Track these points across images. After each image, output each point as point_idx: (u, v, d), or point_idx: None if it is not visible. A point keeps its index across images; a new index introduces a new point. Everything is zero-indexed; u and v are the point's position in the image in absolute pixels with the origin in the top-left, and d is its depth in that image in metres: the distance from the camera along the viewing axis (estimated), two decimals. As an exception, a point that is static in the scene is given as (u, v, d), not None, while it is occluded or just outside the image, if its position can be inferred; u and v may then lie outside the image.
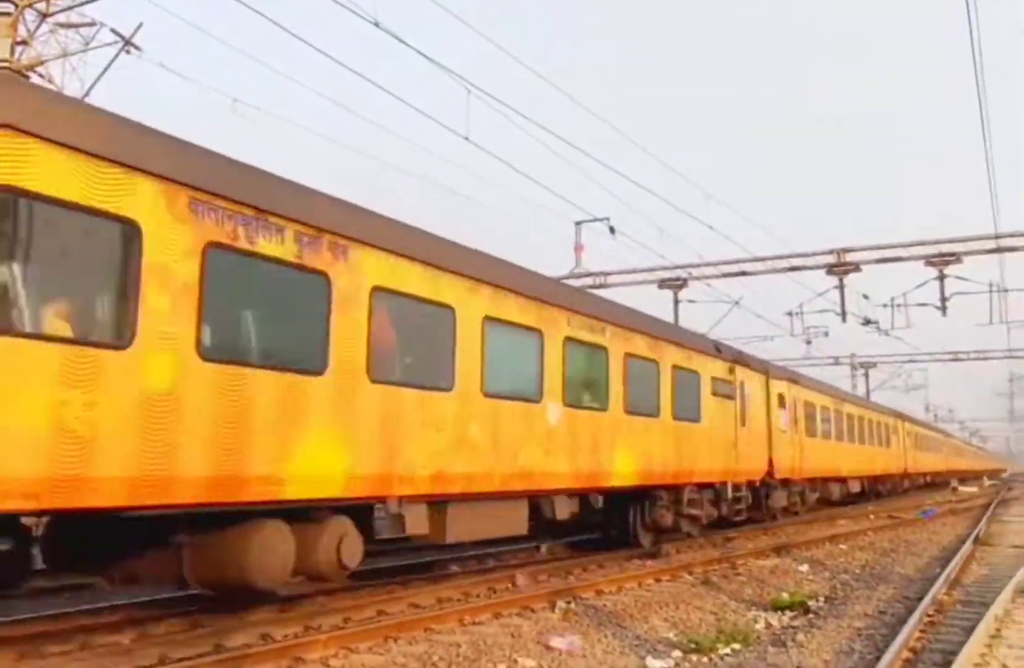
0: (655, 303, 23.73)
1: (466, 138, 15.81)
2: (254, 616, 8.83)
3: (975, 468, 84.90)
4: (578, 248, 27.14)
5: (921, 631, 8.70)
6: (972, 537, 18.57)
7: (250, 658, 7.09)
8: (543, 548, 15.27)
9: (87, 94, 17.54)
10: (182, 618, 8.44)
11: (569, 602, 10.41)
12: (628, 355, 13.99)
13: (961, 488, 54.67)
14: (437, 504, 9.94)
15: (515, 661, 7.66)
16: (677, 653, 8.17)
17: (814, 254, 26.91)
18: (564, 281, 23.09)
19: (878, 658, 7.40)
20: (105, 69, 16.66)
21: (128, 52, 16.42)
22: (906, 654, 7.67)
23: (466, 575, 12.34)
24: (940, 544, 18.52)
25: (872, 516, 27.08)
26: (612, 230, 24.00)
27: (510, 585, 11.54)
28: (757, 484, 20.07)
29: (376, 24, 12.69)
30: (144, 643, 7.52)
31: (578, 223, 26.14)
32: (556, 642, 7.87)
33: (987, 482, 73.92)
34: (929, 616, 9.46)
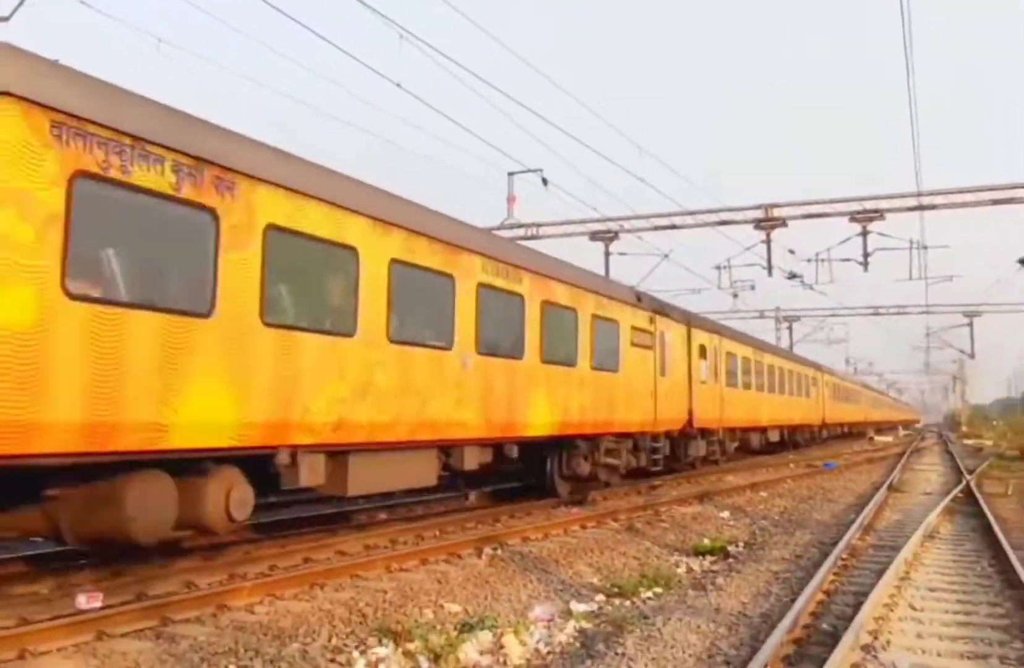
0: (586, 255, 23.73)
1: (398, 85, 15.46)
2: (177, 564, 8.74)
3: (891, 419, 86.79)
4: (510, 199, 26.90)
5: (835, 574, 9.01)
6: (886, 485, 19.27)
7: (173, 606, 7.04)
8: (471, 496, 15.38)
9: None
10: (102, 567, 8.31)
11: (496, 549, 10.54)
12: (545, 303, 13.80)
13: (877, 438, 56.63)
14: (338, 455, 9.54)
15: (441, 606, 7.74)
16: (601, 597, 8.35)
17: (743, 209, 27.14)
18: (496, 232, 22.96)
19: (793, 600, 7.66)
20: (20, 4, 15.81)
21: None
22: (820, 596, 7.94)
23: (393, 523, 12.39)
24: (856, 491, 19.18)
25: (792, 465, 27.90)
26: (545, 182, 23.80)
27: (437, 532, 11.62)
28: (676, 434, 20.23)
29: (304, -40, 12.22)
30: (63, 592, 7.39)
31: (511, 174, 25.88)
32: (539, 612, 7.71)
33: (902, 432, 76.66)
34: (843, 560, 9.80)
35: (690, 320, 21.86)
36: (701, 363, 22.17)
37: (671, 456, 19.98)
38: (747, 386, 27.69)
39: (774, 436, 32.44)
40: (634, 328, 17.52)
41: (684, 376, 20.62)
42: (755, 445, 29.89)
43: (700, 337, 22.32)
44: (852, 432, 56.33)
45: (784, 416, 33.51)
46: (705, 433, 22.64)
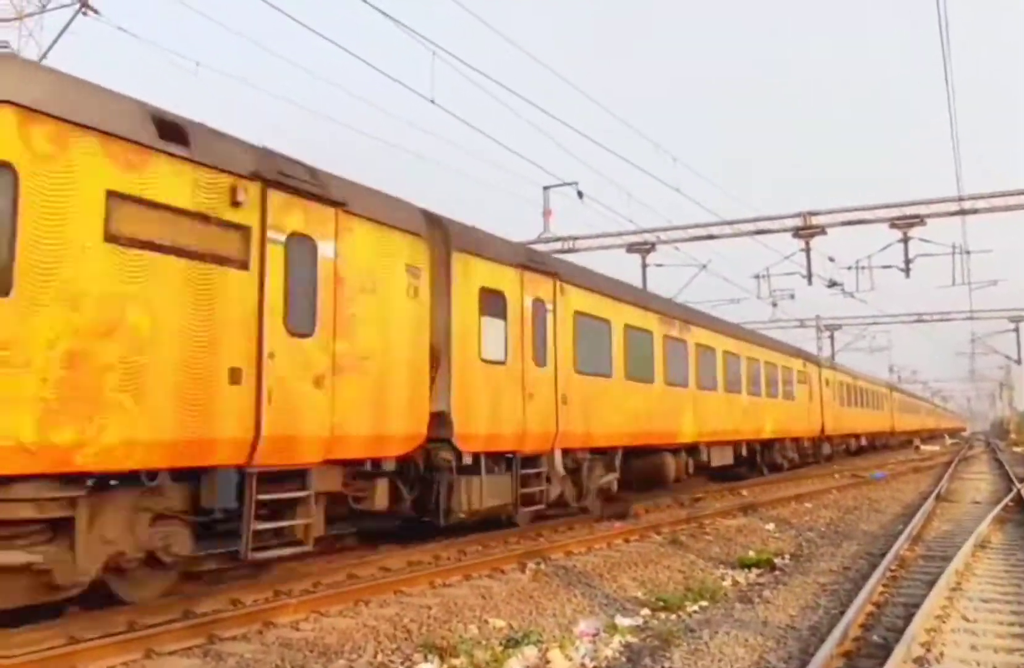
0: (624, 268, 23.65)
1: (431, 101, 15.60)
2: (223, 582, 8.82)
3: (927, 427, 76.93)
4: (546, 213, 27.00)
5: (884, 586, 8.87)
6: (934, 494, 18.94)
7: (220, 623, 7.09)
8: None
9: (44, 57, 17.07)
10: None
11: (539, 563, 10.50)
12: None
13: (924, 447, 55.73)
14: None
15: (485, 622, 7.72)
16: (646, 611, 8.28)
17: (780, 217, 26.97)
18: (532, 246, 22.99)
19: (842, 612, 7.54)
20: (62, 31, 16.20)
21: (85, 14, 15.96)
22: (869, 608, 7.82)
23: (437, 538, 12.38)
24: (903, 501, 18.88)
25: (837, 475, 27.53)
26: (580, 195, 23.85)
27: (480, 548, 11.60)
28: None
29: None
30: (112, 610, 7.47)
31: (546, 188, 25.99)
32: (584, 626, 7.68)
33: (949, 441, 75.38)
34: (892, 571, 9.64)
35: (819, 360, 32.22)
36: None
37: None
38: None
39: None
40: (798, 371, 28.55)
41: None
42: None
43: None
44: (873, 446, 45.70)
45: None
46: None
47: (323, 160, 9.45)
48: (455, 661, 6.35)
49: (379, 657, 6.60)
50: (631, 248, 28.82)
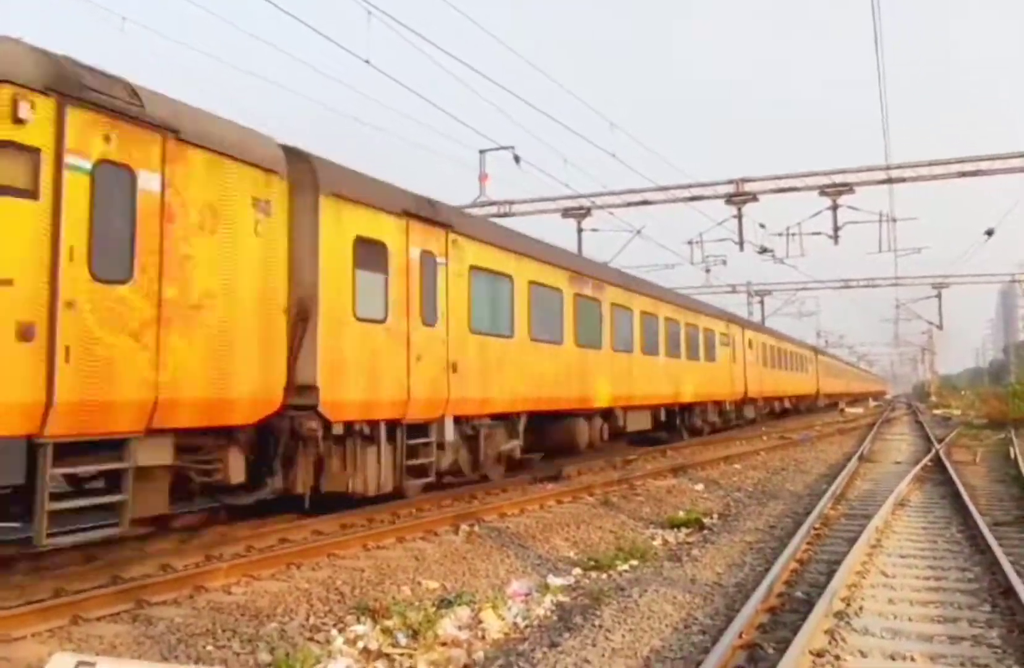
0: (559, 232, 23.65)
1: (367, 62, 15.28)
2: (152, 547, 8.71)
3: (853, 390, 77.10)
4: (482, 177, 26.79)
5: (808, 543, 9.13)
6: (857, 455, 19.50)
7: (150, 588, 7.02)
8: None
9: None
10: (77, 551, 8.26)
11: (472, 525, 10.58)
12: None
13: (848, 409, 57.28)
14: None
15: (419, 583, 7.77)
16: (577, 571, 8.41)
17: (714, 184, 27.16)
18: (468, 210, 22.82)
19: (767, 570, 7.74)
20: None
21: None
22: (793, 565, 8.04)
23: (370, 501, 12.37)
24: (828, 462, 19.41)
25: (765, 437, 28.17)
26: (517, 159, 23.68)
27: (413, 510, 11.63)
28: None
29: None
30: (37, 576, 7.34)
31: (483, 152, 25.76)
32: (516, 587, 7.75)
33: (872, 403, 77.59)
34: (815, 529, 9.92)
35: (743, 323, 32.42)
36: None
37: None
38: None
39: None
40: (721, 333, 27.30)
41: None
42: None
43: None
44: (798, 409, 45.20)
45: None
46: None
47: (254, 120, 9.19)
48: (388, 622, 6.38)
49: (311, 620, 6.61)
50: (567, 213, 28.82)
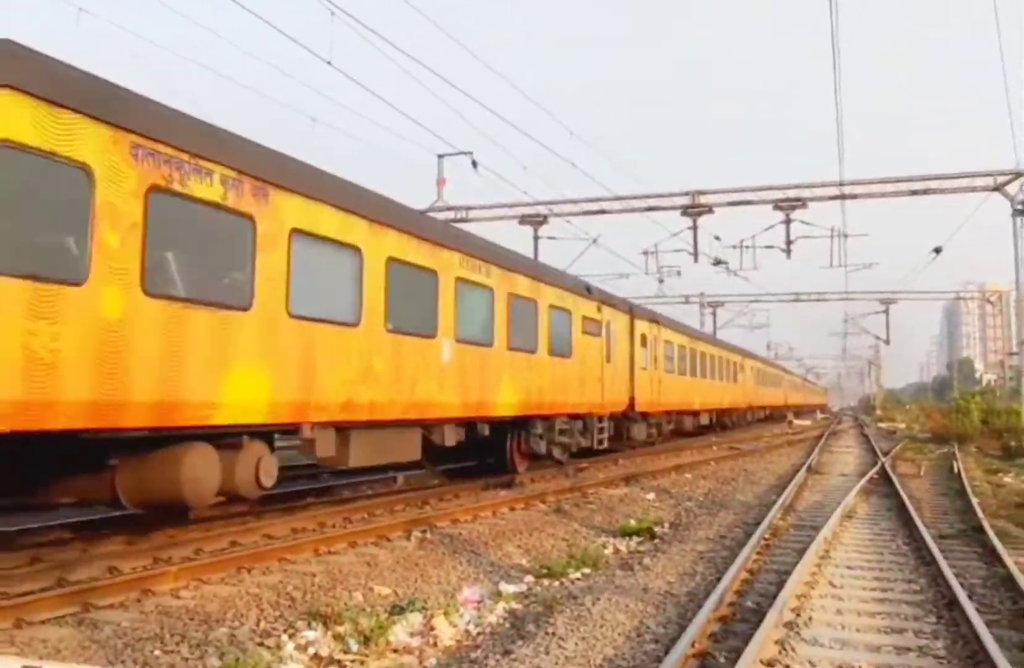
0: (516, 239, 23.68)
1: (329, 63, 15.23)
2: (99, 549, 8.55)
3: (791, 403, 70.73)
4: (440, 182, 26.81)
5: (758, 554, 9.22)
6: (805, 466, 19.76)
7: (96, 591, 6.88)
8: (399, 479, 15.33)
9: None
10: (20, 552, 8.08)
11: (425, 531, 10.53)
12: (512, 296, 14.94)
13: (796, 421, 58.08)
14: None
15: (371, 589, 7.71)
16: (530, 578, 8.41)
17: (670, 195, 27.53)
18: (426, 214, 22.77)
19: (718, 579, 7.81)
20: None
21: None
22: (744, 575, 8.12)
23: (321, 506, 12.27)
24: (776, 473, 19.63)
25: (715, 447, 28.43)
26: (475, 164, 23.73)
27: (365, 515, 11.56)
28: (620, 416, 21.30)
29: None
30: (-21, 579, 7.17)
31: (441, 156, 25.74)
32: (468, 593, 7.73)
33: (819, 416, 78.75)
34: (765, 540, 10.03)
35: (633, 309, 23.37)
36: (643, 351, 23.11)
37: (614, 437, 20.81)
38: (683, 372, 28.56)
39: (705, 419, 33.93)
40: (585, 318, 18.47)
41: (627, 362, 21.60)
42: (688, 427, 30.64)
43: (641, 326, 23.25)
44: (723, 425, 39.49)
45: (714, 400, 34.67)
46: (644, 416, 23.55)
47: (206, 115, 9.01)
48: (339, 628, 6.32)
49: (262, 625, 6.52)
50: (524, 220, 28.95)
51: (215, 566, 8.02)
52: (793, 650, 5.83)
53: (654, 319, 25.58)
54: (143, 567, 7.95)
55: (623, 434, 21.85)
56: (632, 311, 23.06)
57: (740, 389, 41.36)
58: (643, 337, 23.17)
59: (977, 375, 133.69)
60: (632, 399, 21.87)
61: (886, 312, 51.33)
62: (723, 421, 38.91)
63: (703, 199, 27.25)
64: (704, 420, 33.01)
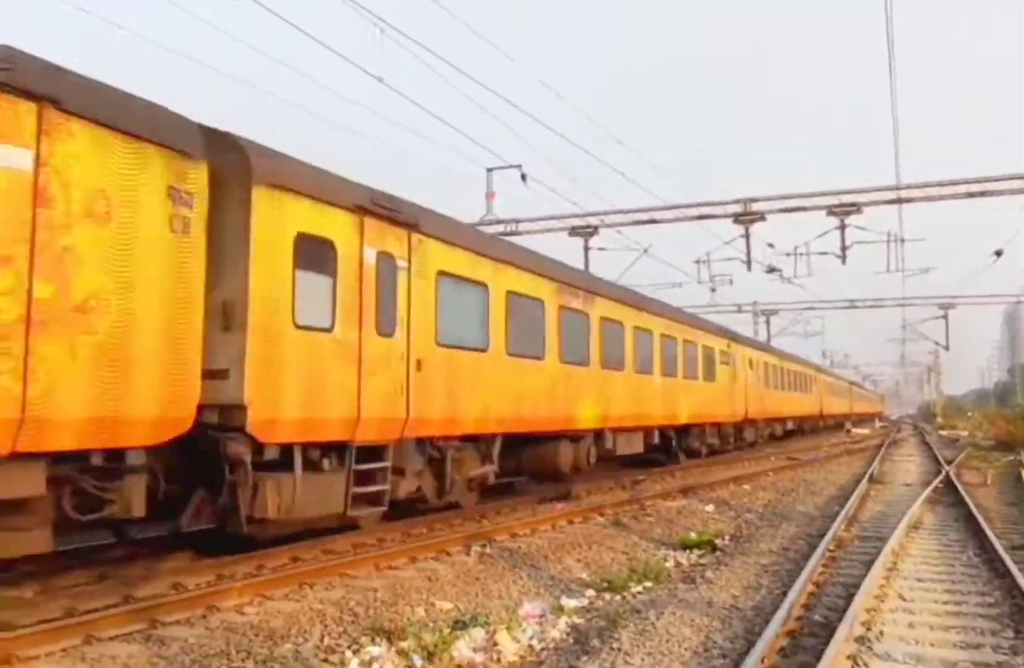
0: (566, 251, 23.65)
1: (380, 80, 15.36)
2: (163, 566, 8.64)
3: (858, 411, 72.91)
4: (489, 195, 26.86)
5: (824, 566, 9.04)
6: (867, 476, 19.38)
7: (162, 608, 6.95)
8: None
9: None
10: (88, 569, 8.20)
11: (484, 545, 10.50)
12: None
13: (855, 430, 57.07)
14: None
15: (432, 604, 7.69)
16: (591, 592, 8.33)
17: (722, 203, 27.21)
18: (477, 228, 22.85)
19: (784, 592, 7.66)
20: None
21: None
22: (810, 588, 7.96)
23: (380, 521, 12.29)
24: (837, 483, 19.28)
25: (773, 458, 28.03)
26: (524, 177, 23.75)
27: (424, 530, 11.56)
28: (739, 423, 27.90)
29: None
30: (48, 596, 7.28)
31: (490, 170, 25.81)
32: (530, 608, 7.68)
33: (878, 424, 77.34)
34: (830, 552, 9.84)
35: (744, 340, 30.20)
36: None
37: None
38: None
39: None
40: (721, 351, 25.84)
41: None
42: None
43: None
44: (802, 430, 43.81)
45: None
46: None
47: (261, 136, 9.15)
48: (403, 644, 6.31)
49: (326, 640, 6.54)
50: (574, 232, 28.84)
51: (278, 582, 8.06)
52: (866, 665, 5.69)
53: (759, 347, 34.03)
54: (207, 583, 8.02)
55: (740, 436, 29.16)
56: (743, 342, 30.49)
57: (815, 399, 46.47)
58: (750, 361, 30.36)
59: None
60: (746, 410, 28.87)
61: (945, 317, 50.19)
62: (802, 426, 43.77)
63: (755, 206, 26.90)
64: (790, 425, 39.76)
